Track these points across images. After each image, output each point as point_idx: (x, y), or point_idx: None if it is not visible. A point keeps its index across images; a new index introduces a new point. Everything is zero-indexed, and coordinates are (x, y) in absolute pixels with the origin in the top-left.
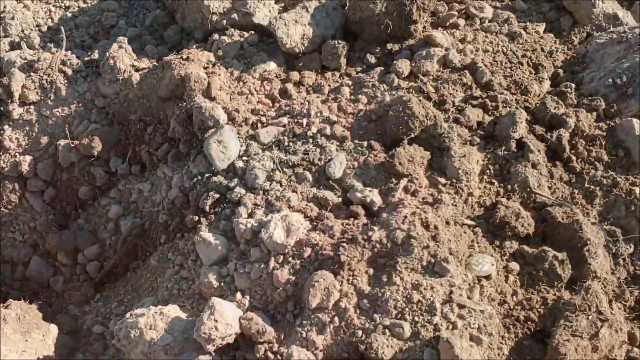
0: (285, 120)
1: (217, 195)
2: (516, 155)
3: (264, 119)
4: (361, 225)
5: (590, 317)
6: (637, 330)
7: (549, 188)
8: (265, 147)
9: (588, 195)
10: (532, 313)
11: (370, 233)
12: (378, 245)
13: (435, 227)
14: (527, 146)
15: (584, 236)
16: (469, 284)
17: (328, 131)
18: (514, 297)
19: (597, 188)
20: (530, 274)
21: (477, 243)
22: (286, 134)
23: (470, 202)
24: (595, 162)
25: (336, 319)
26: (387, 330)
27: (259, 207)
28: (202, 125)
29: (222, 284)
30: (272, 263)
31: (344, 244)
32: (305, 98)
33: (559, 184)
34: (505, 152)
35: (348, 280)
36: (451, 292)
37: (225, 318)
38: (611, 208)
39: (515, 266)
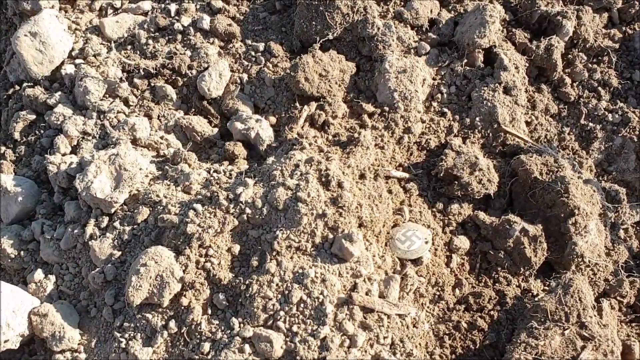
0: (148, 4)
1: (32, 117)
2: (483, 73)
3: (117, 3)
4: (235, 176)
5: (567, 331)
6: (635, 339)
7: (528, 125)
8: (112, 44)
9: (584, 136)
10: (481, 318)
11: (239, 190)
12: (249, 210)
13: (340, 185)
14: (499, 60)
15: (570, 202)
16: (386, 273)
17: (206, 24)
18: (456, 291)
19: (598, 126)
20: (485, 256)
21: (410, 206)
22: (145, 27)
23: (406, 143)
24: (599, 88)
25: (173, 322)
26: (247, 346)
27: (89, 139)
28: (18, 9)
29: (23, 253)
30: (90, 228)
31: (198, 205)
32: None
33: (543, 119)
34: (467, 68)
35: (197, 263)
36: (354, 287)
37: (4, 312)
38: (615, 156)
39: (463, 243)
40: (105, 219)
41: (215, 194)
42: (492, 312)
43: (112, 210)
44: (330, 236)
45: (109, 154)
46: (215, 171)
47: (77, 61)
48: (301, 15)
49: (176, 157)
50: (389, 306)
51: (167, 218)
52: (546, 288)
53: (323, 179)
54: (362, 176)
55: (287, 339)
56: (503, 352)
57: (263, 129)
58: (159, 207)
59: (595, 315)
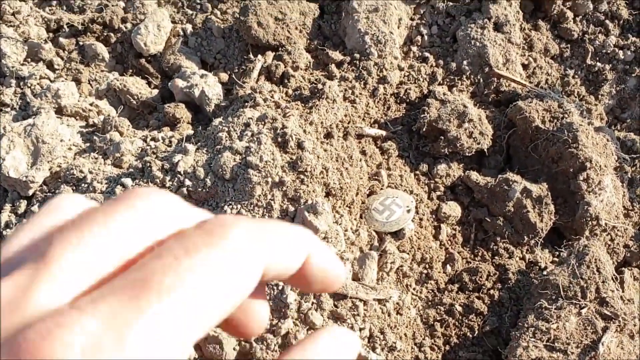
0: None
1: None
2: (469, 8)
3: None
4: (176, 142)
5: (584, 310)
6: None
7: (525, 68)
8: (34, 1)
9: (591, 79)
10: (479, 299)
11: (177, 158)
12: (189, 182)
13: (300, 145)
14: None
15: (580, 153)
16: (361, 250)
17: None
18: (447, 268)
19: (608, 66)
20: (481, 224)
21: (388, 170)
22: None
23: (382, 95)
24: (607, 22)
25: None
26: None
27: (7, 110)
28: None
29: None
30: (4, 215)
31: (127, 180)
32: None
33: (542, 61)
34: (450, 4)
35: None
36: None
37: None
38: (629, 101)
39: (453, 209)
40: (23, 203)
41: (148, 164)
42: (491, 292)
43: (30, 192)
44: (291, 209)
45: (24, 125)
46: (153, 139)
47: None
48: None
49: (106, 124)
50: (365, 290)
51: (91, 197)
52: (556, 259)
53: (279, 139)
54: (328, 135)
55: (240, 339)
56: (507, 340)
57: (209, 86)
58: (83, 184)
59: (617, 289)
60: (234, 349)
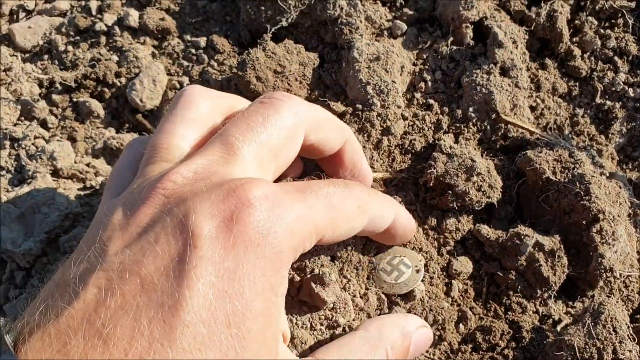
0: (65, 3)
1: None
2: (473, 52)
3: (30, 4)
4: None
5: None
6: None
7: (533, 110)
8: (25, 56)
9: (601, 117)
10: (493, 359)
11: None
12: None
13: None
14: (492, 34)
15: (593, 206)
16: (369, 316)
17: (134, 20)
18: (460, 327)
19: (618, 104)
20: (493, 279)
21: None
22: (63, 30)
23: (386, 147)
24: (615, 58)
25: None
26: None
27: (2, 174)
28: None
29: None
30: (4, 287)
31: None
32: None
33: (551, 101)
34: (454, 48)
35: None
36: (317, 343)
37: None
38: None
39: (464, 265)
40: (21, 275)
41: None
42: (505, 351)
43: (29, 265)
44: (297, 278)
45: (20, 195)
46: None
47: None
48: (247, 0)
49: (103, 188)
50: None
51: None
52: (570, 310)
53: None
54: None
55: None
56: None
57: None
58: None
59: (634, 349)
60: None
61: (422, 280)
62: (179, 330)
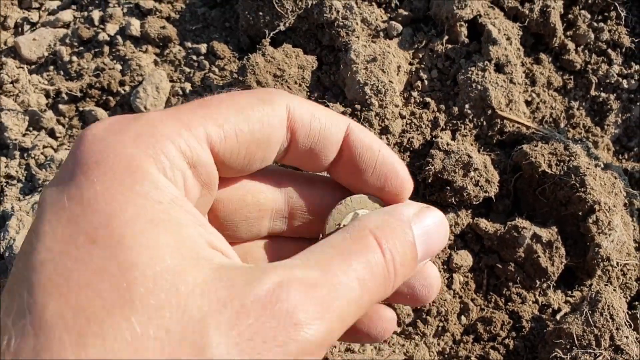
0: (68, 14)
1: None
2: (468, 50)
3: (34, 16)
4: None
5: (599, 358)
6: None
7: (528, 105)
8: (31, 67)
9: (596, 109)
10: (494, 349)
11: None
12: None
13: None
14: (486, 32)
15: (588, 197)
16: None
17: (135, 29)
18: (462, 318)
19: (612, 96)
20: (493, 271)
21: None
22: (67, 41)
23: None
24: (609, 51)
25: None
26: None
27: (13, 183)
28: None
29: None
30: None
31: None
32: None
33: (546, 95)
34: (449, 47)
35: None
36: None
37: None
38: (635, 129)
39: (464, 259)
40: None
41: None
42: (506, 341)
43: None
44: None
45: (32, 203)
46: None
47: None
48: (245, 6)
49: None
50: None
51: None
52: (569, 299)
53: None
54: None
55: None
56: None
57: None
58: None
59: (630, 335)
60: None
61: None
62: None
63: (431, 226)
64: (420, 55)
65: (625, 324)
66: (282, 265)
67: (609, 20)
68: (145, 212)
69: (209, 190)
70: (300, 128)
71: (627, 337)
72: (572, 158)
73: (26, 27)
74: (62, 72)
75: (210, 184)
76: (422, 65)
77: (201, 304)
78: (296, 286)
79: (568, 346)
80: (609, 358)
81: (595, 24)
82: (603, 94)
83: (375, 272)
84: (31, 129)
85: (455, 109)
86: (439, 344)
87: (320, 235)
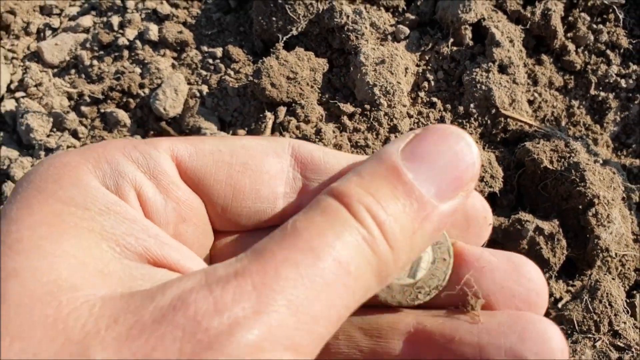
0: (88, 20)
1: None
2: (473, 52)
3: (55, 22)
4: None
5: (598, 343)
6: None
7: (530, 104)
8: (54, 71)
9: (595, 108)
10: None
11: None
12: None
13: None
14: (490, 35)
15: (588, 191)
16: None
17: (154, 34)
18: None
19: (611, 95)
20: None
21: None
22: (88, 46)
23: None
24: (607, 51)
25: None
26: None
27: None
28: None
29: None
30: None
31: None
32: None
33: (547, 94)
34: (455, 49)
35: None
36: None
37: None
38: (633, 127)
39: None
40: None
41: None
42: None
43: None
44: None
45: None
46: None
47: (18, 95)
48: (259, 12)
49: None
50: None
51: None
52: (570, 289)
53: None
54: None
55: None
56: None
57: None
58: None
59: (628, 321)
60: None
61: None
62: None
63: (435, 151)
64: (427, 58)
65: (623, 311)
66: (207, 268)
67: (607, 23)
68: (56, 217)
69: (185, 204)
70: (310, 161)
71: (624, 323)
72: (573, 154)
73: (48, 32)
74: (83, 76)
75: (182, 200)
76: (429, 67)
77: (86, 322)
78: (211, 286)
79: (569, 331)
80: (607, 342)
81: (594, 26)
82: (602, 93)
83: (352, 251)
84: (55, 130)
85: (461, 108)
86: None
87: None
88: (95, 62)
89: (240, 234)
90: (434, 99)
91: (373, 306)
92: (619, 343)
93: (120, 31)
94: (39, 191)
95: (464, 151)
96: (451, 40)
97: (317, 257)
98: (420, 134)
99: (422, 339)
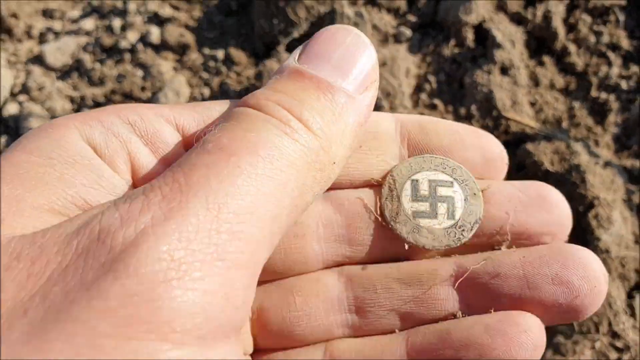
0: (90, 23)
1: None
2: (474, 54)
3: (58, 26)
4: None
5: (597, 343)
6: None
7: (532, 105)
8: (56, 74)
9: (596, 109)
10: None
11: None
12: None
13: None
14: (491, 37)
15: (588, 193)
16: None
17: (155, 37)
18: None
19: (612, 95)
20: None
21: None
22: (90, 49)
23: None
24: (608, 52)
25: None
26: None
27: None
28: None
29: None
30: None
31: None
32: None
33: (549, 96)
34: (456, 51)
35: None
36: None
37: None
38: (634, 127)
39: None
40: None
41: None
42: None
43: None
44: None
45: None
46: None
47: (20, 98)
48: (260, 14)
49: None
50: None
51: None
52: None
53: None
54: None
55: None
56: None
57: None
58: None
59: (627, 321)
60: None
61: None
62: None
63: (329, 49)
64: (429, 60)
65: (623, 311)
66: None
67: (608, 24)
68: (12, 166)
69: None
70: None
71: (624, 324)
72: (574, 156)
73: (50, 36)
74: (86, 79)
75: None
76: (430, 69)
77: None
78: (118, 204)
79: (569, 332)
80: (607, 342)
81: (595, 27)
82: (603, 95)
83: (272, 145)
84: None
85: (463, 110)
86: None
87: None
88: (97, 65)
89: None
90: (436, 101)
91: (406, 259)
92: (618, 344)
93: (122, 34)
94: (14, 147)
95: (356, 43)
96: (453, 42)
97: (231, 154)
98: (310, 39)
99: (466, 280)
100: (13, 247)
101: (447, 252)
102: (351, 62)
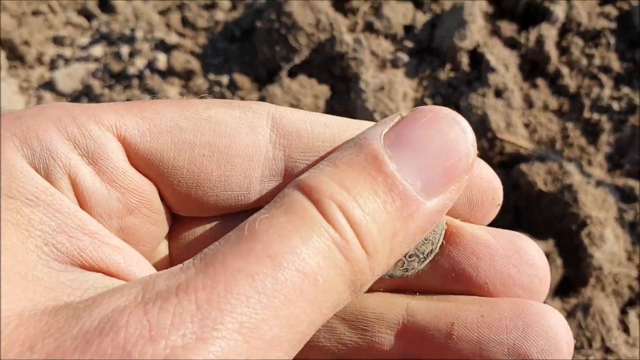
0: (99, 50)
1: None
2: (469, 77)
3: (68, 52)
4: None
5: (590, 358)
6: None
7: (526, 126)
8: (67, 100)
9: (589, 130)
10: None
11: None
12: None
13: None
14: (485, 61)
15: (581, 212)
16: None
17: (162, 64)
18: None
19: (604, 116)
20: None
21: None
22: (99, 75)
23: None
24: (599, 74)
25: None
26: None
27: None
28: None
29: None
30: None
31: None
32: (133, 9)
33: (542, 117)
34: (452, 75)
35: None
36: None
37: None
38: (626, 148)
39: None
40: None
41: None
42: None
43: None
44: None
45: None
46: None
47: None
48: (263, 41)
49: None
50: None
51: None
52: (565, 306)
53: None
54: None
55: None
56: None
57: None
58: None
59: (619, 337)
60: None
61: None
62: None
63: (424, 137)
64: (425, 84)
65: (616, 327)
66: (146, 278)
67: (600, 47)
68: None
69: (138, 199)
70: (295, 135)
71: (616, 339)
72: (566, 176)
73: (61, 62)
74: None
75: (129, 189)
76: (427, 93)
77: None
78: (147, 304)
79: None
80: (600, 358)
81: (587, 50)
82: (595, 116)
83: (320, 258)
84: None
85: None
86: None
87: None
88: (106, 90)
89: (210, 219)
90: None
91: None
92: (610, 358)
93: (130, 61)
94: None
95: (458, 138)
96: (448, 66)
97: (277, 267)
98: (407, 117)
99: (415, 333)
100: (25, 334)
101: (403, 285)
102: (444, 164)
